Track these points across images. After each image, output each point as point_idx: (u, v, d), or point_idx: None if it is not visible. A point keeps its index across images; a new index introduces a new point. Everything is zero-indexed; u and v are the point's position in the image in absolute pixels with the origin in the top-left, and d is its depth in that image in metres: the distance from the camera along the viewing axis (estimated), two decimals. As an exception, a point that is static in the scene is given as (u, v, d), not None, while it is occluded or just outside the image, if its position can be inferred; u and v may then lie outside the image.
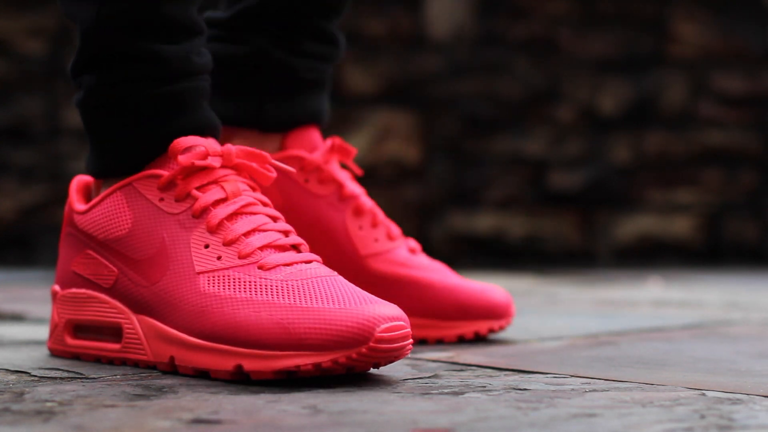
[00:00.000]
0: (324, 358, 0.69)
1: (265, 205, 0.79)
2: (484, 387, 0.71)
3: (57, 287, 0.85)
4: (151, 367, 0.77)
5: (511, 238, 2.47)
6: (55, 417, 0.59)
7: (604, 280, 1.99)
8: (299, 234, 0.91)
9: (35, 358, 0.84)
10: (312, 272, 0.74)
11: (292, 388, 0.69)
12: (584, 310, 1.34)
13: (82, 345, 0.82)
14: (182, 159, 0.78)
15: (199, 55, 0.82)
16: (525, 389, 0.70)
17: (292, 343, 0.70)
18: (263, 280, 0.73)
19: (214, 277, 0.75)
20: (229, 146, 0.79)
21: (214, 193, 0.77)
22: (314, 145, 0.95)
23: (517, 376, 0.75)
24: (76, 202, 0.84)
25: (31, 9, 2.33)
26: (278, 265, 0.74)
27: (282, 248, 0.76)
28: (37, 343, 0.93)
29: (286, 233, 0.78)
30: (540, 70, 2.48)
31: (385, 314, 0.70)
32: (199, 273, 0.75)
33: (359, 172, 0.99)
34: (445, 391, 0.69)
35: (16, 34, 2.33)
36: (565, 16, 2.49)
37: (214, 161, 0.78)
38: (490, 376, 0.75)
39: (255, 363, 0.71)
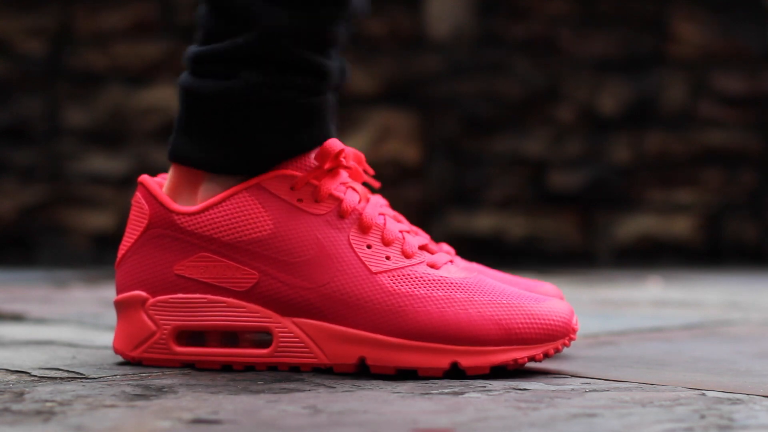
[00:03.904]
0: (536, 351, 0.75)
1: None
2: (484, 387, 0.71)
3: (143, 293, 0.80)
4: (329, 369, 0.76)
5: (511, 238, 2.47)
6: (55, 417, 0.59)
7: (604, 280, 1.99)
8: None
9: (35, 358, 0.84)
10: (471, 270, 0.79)
11: (292, 388, 0.69)
12: (584, 310, 1.34)
13: (197, 352, 0.79)
14: (327, 161, 0.79)
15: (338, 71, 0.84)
16: (525, 389, 0.70)
17: (508, 339, 0.74)
18: (445, 278, 0.77)
19: (395, 276, 0.77)
20: (346, 148, 0.81)
21: (352, 194, 0.79)
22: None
23: (517, 376, 0.76)
24: (172, 202, 0.81)
25: (31, 9, 2.33)
26: (445, 264, 0.78)
27: (425, 247, 0.80)
28: (37, 343, 0.93)
29: (415, 232, 0.82)
30: (540, 70, 2.48)
31: (569, 307, 0.77)
32: (376, 273, 0.76)
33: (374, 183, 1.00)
34: (445, 391, 0.69)
35: (16, 34, 2.33)
36: (565, 16, 2.49)
37: (346, 163, 0.80)
38: (490, 376, 0.75)
39: (472, 359, 0.74)
